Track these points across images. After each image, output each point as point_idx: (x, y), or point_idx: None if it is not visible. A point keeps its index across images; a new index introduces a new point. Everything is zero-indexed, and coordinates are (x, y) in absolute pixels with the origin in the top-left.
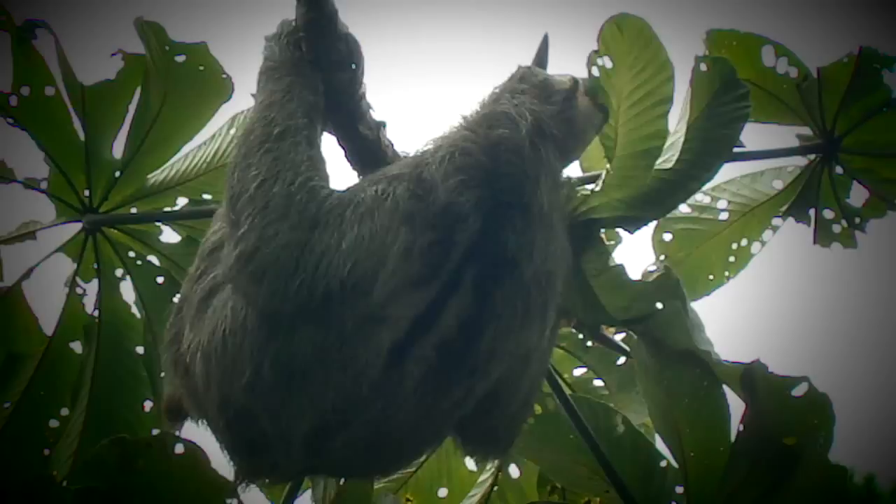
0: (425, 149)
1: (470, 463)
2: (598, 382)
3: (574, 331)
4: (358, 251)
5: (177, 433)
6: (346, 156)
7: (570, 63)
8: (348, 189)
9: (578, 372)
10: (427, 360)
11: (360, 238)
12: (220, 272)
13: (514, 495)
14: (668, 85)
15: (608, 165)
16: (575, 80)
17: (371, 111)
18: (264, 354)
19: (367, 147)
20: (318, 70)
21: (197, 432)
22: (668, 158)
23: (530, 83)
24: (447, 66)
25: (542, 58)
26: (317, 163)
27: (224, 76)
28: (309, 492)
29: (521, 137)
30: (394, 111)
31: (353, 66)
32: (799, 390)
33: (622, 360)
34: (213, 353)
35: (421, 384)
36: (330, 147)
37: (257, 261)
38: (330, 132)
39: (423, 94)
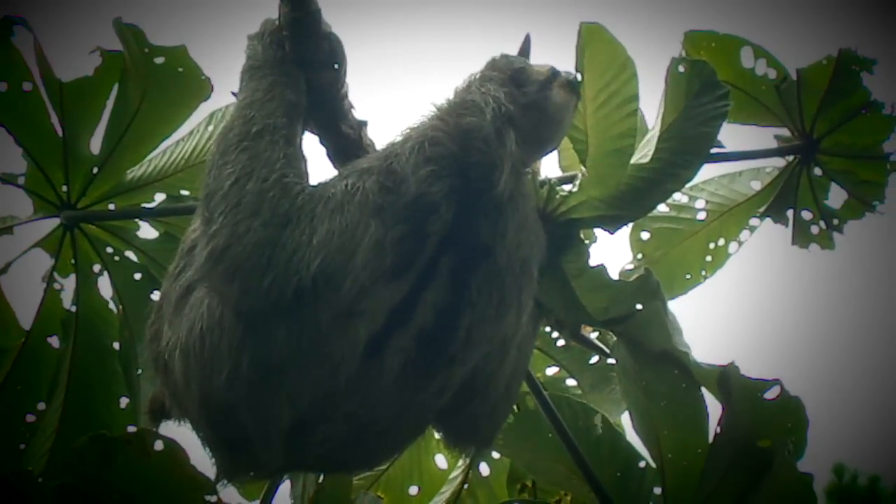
0: (395, 140)
1: (441, 461)
2: (570, 381)
3: (548, 329)
4: (328, 246)
5: (156, 430)
6: (327, 155)
7: (563, 63)
8: (321, 184)
9: (551, 371)
10: (405, 351)
11: (330, 233)
12: (194, 269)
13: (484, 493)
14: (631, 83)
15: (583, 167)
16: (553, 71)
17: (353, 110)
18: (242, 351)
19: (348, 146)
20: (301, 69)
21: (176, 429)
22: (644, 154)
23: (504, 70)
24: (442, 66)
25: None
26: (293, 160)
27: (203, 77)
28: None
29: (486, 124)
30: (387, 110)
31: (336, 66)
32: (771, 393)
33: (595, 359)
34: (191, 351)
35: (400, 375)
36: (312, 146)
37: (228, 258)
38: (312, 131)
39: (416, 93)
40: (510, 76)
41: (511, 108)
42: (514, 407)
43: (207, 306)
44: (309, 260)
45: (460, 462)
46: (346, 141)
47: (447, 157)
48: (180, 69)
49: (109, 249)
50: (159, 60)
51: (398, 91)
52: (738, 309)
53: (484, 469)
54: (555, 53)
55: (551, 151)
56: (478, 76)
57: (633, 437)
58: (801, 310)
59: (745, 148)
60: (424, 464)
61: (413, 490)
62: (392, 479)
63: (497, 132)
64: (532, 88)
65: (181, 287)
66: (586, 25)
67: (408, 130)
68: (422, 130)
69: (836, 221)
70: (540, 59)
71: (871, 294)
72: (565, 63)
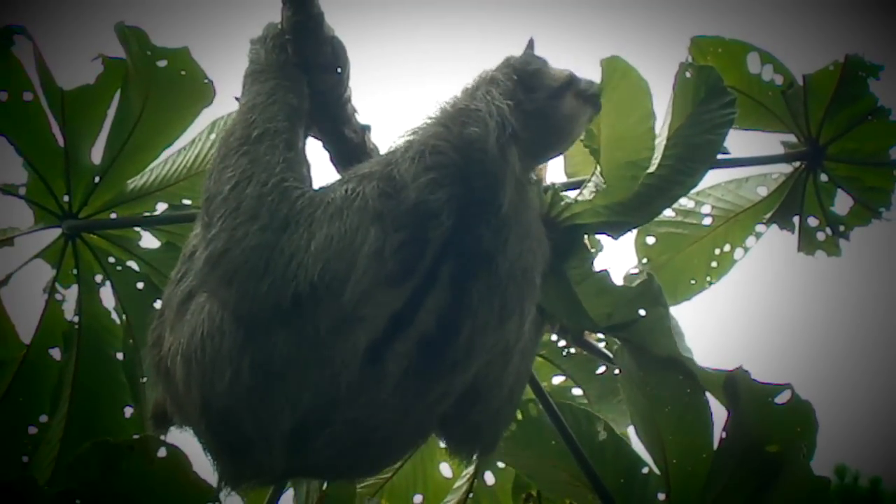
0: (397, 145)
1: (445, 469)
2: (576, 391)
3: (554, 338)
4: (327, 252)
5: (160, 437)
6: (331, 159)
7: (562, 64)
8: (321, 189)
9: (557, 380)
10: (406, 357)
11: (329, 239)
12: (193, 274)
13: (489, 502)
14: (645, 103)
15: (594, 175)
16: (570, 78)
17: (356, 114)
18: (242, 356)
19: (352, 150)
20: (304, 73)
21: (179, 437)
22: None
23: (514, 73)
24: (442, 66)
25: None
26: (294, 165)
27: (206, 81)
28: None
29: (489, 139)
30: (386, 110)
31: (339, 70)
32: (782, 398)
33: (602, 368)
34: (192, 356)
35: (401, 382)
36: (316, 151)
37: (226, 262)
38: (315, 136)
39: (416, 94)
40: (520, 80)
41: (514, 123)
42: (518, 413)
43: (208, 312)
44: (307, 265)
45: (465, 471)
46: (349, 145)
47: (448, 166)
48: (183, 72)
49: (111, 259)
50: (162, 63)
51: (398, 91)
52: (742, 315)
53: (489, 478)
54: (557, 54)
55: (558, 156)
56: (488, 76)
57: (637, 447)
58: (804, 315)
59: (752, 153)
60: (429, 472)
61: (417, 499)
62: (396, 487)
63: (500, 149)
64: (541, 95)
65: (182, 293)
66: (608, 61)
67: (410, 135)
68: (424, 137)
69: (842, 228)
70: None
71: (875, 300)
72: (569, 64)
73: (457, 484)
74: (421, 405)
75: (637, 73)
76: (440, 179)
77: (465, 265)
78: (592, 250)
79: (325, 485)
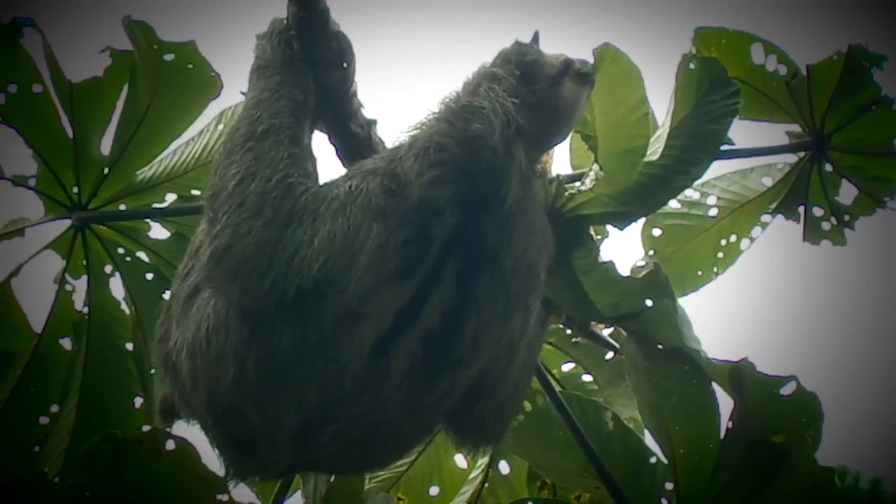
0: (401, 141)
1: (461, 460)
2: (586, 377)
3: (562, 326)
4: (330, 248)
5: (168, 430)
6: (337, 154)
7: None
8: (326, 184)
9: (567, 367)
10: (411, 353)
11: (332, 234)
12: (198, 270)
13: (505, 491)
14: (637, 89)
15: (595, 165)
16: (566, 62)
17: (362, 109)
18: (248, 351)
19: (358, 145)
20: (310, 68)
21: (188, 429)
22: (653, 151)
23: (513, 66)
24: (442, 66)
25: None
26: (299, 160)
27: (212, 74)
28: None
29: (495, 136)
30: (387, 109)
31: (345, 65)
32: (787, 389)
33: (610, 354)
34: (198, 351)
35: (406, 377)
36: (322, 145)
37: (230, 258)
38: (321, 130)
39: (416, 93)
40: (521, 73)
41: (520, 120)
42: (526, 404)
43: (213, 307)
44: (310, 261)
45: (480, 461)
46: (355, 140)
47: (453, 163)
48: (190, 65)
49: (121, 250)
50: (169, 57)
51: (400, 91)
52: (747, 305)
53: (504, 467)
54: (559, 52)
55: (562, 141)
56: (488, 72)
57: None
58: (809, 307)
59: (757, 144)
60: (444, 464)
61: (434, 490)
62: (412, 479)
63: (505, 145)
64: (542, 85)
65: (189, 287)
66: (599, 49)
67: (415, 131)
68: (428, 134)
69: (847, 217)
70: None
71: (880, 292)
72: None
73: (472, 475)
74: (426, 401)
75: (627, 58)
76: (444, 176)
77: (469, 261)
78: (598, 238)
79: (332, 477)
